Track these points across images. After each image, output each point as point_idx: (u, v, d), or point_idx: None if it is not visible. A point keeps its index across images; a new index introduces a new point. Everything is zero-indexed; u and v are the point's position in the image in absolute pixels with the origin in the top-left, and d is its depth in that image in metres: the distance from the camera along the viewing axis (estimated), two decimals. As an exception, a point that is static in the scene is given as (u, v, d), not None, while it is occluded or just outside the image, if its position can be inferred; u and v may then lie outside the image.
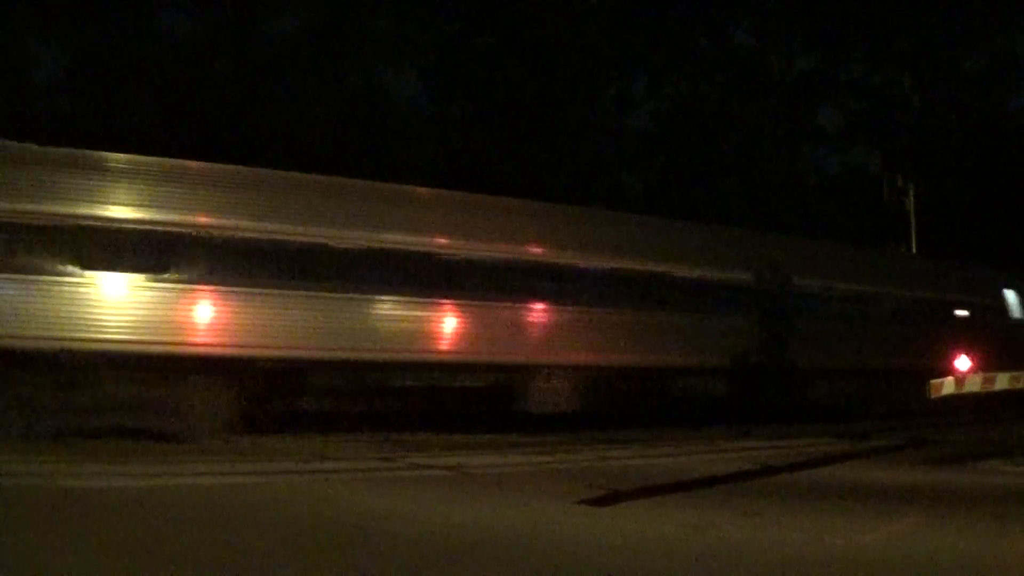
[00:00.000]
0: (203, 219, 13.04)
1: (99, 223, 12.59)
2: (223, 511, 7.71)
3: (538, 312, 15.22)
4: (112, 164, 13.14)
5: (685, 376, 16.73)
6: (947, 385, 16.31)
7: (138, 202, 12.88)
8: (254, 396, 13.04)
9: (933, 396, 16.20)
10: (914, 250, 27.90)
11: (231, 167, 14.23)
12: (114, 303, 12.47)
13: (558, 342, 15.22)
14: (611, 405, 15.85)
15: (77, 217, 12.49)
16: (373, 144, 29.51)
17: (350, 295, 13.82)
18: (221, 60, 30.70)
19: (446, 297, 14.43)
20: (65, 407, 11.84)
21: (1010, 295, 21.07)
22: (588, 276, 15.70)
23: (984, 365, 18.30)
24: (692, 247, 17.27)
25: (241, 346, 12.91)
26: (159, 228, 12.79)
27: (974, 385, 16.63)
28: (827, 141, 37.85)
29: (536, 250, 15.35)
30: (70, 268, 12.25)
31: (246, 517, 7.41)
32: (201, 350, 12.73)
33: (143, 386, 12.36)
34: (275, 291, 13.19)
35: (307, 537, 6.66)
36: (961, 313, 21.32)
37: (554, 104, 32.45)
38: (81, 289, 12.35)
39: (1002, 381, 16.58)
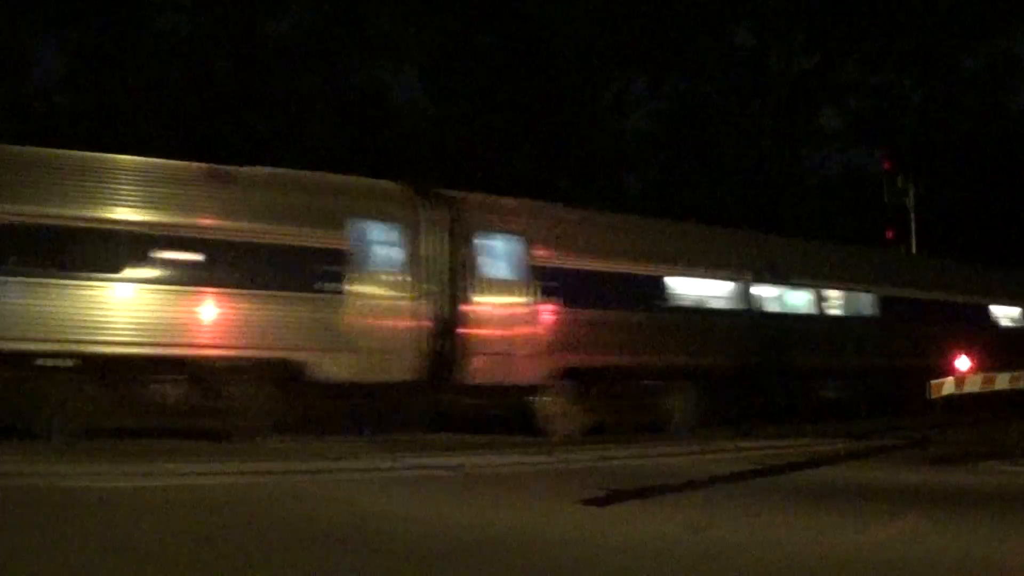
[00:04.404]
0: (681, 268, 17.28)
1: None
2: (223, 511, 7.71)
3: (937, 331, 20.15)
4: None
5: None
6: (947, 385, 16.25)
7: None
8: (716, 395, 16.82)
9: (933, 396, 16.15)
10: (914, 250, 27.87)
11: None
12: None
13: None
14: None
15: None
16: (373, 144, 29.48)
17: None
18: (221, 60, 30.69)
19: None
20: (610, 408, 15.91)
21: None
22: (919, 304, 20.94)
23: (984, 366, 18.28)
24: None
25: (711, 357, 16.98)
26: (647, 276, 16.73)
27: (974, 385, 16.57)
28: (827, 141, 37.85)
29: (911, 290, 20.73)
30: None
31: (247, 517, 7.41)
32: (684, 361, 16.63)
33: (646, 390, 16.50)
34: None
35: (307, 537, 6.66)
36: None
37: (554, 104, 32.42)
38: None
39: (1002, 381, 16.51)
